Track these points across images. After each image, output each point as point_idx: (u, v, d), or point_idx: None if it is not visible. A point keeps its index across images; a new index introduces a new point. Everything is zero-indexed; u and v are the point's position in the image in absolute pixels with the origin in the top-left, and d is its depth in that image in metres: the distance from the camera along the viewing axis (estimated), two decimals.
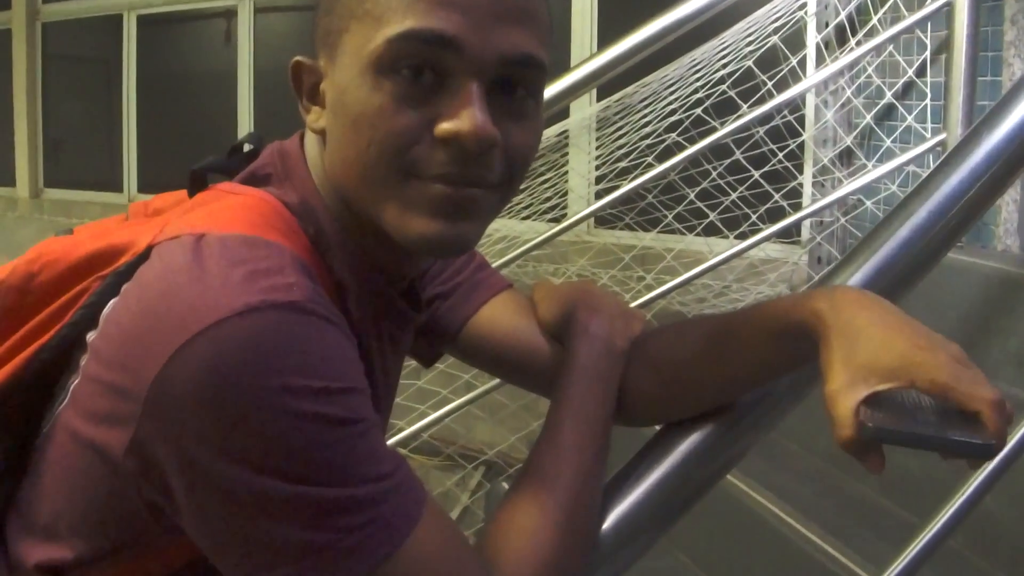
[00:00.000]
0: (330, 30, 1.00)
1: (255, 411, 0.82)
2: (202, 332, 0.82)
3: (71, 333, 0.96)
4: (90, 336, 0.93)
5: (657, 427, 1.28)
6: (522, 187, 3.48)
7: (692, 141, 3.02)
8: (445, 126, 0.93)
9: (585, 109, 4.03)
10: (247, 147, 1.13)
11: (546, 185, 3.69)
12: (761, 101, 3.12)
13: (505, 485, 3.40)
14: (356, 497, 0.86)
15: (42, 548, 0.97)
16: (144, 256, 0.94)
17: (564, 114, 3.67)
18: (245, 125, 6.21)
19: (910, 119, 3.36)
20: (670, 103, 3.33)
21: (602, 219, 4.20)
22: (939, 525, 1.55)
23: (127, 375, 0.86)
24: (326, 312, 0.89)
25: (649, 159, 3.34)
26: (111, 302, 0.93)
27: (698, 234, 3.64)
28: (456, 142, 0.93)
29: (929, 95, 3.31)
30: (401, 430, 3.03)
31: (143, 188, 6.77)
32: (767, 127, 3.35)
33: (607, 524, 1.15)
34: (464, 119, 0.92)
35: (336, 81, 0.99)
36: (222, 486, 0.84)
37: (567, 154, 3.91)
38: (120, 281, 0.94)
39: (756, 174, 3.44)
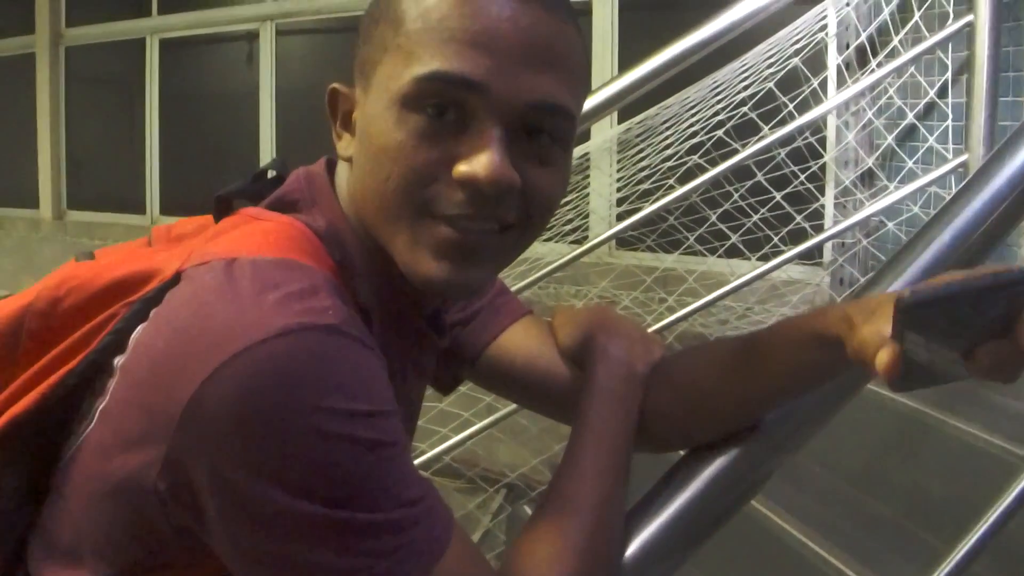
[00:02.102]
0: (366, 60, 1.00)
1: (290, 433, 0.82)
2: (239, 353, 0.82)
3: (99, 358, 0.95)
4: (118, 360, 0.93)
5: (680, 452, 1.27)
6: (546, 227, 3.48)
7: (713, 163, 3.01)
8: (462, 168, 0.93)
9: (606, 131, 4.03)
10: (271, 173, 1.13)
11: (568, 207, 3.70)
12: (782, 123, 3.11)
13: (527, 508, 3.40)
14: (388, 521, 0.86)
15: (65, 572, 0.97)
16: (173, 281, 0.94)
17: (585, 136, 3.68)
18: (267, 146, 6.24)
19: (932, 140, 3.36)
20: (691, 125, 3.33)
21: (624, 241, 4.20)
22: (965, 550, 1.54)
23: (160, 396, 0.85)
24: (361, 335, 0.89)
25: (671, 181, 3.34)
26: (140, 327, 0.93)
27: (720, 256, 3.64)
28: (472, 185, 0.93)
29: (951, 116, 3.30)
30: (423, 452, 3.03)
31: (165, 209, 6.81)
32: (788, 149, 3.35)
33: (630, 551, 1.14)
34: (482, 163, 0.92)
35: (366, 112, 0.99)
36: (255, 507, 0.84)
37: (588, 176, 3.91)
38: (149, 307, 0.94)
39: (778, 196, 3.43)
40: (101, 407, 0.93)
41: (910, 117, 3.45)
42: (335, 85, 1.05)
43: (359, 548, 0.85)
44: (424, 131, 0.93)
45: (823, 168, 3.57)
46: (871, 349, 0.88)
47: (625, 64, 2.89)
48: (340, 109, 1.05)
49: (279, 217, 1.03)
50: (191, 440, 0.84)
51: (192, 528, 0.89)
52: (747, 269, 3.14)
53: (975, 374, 0.87)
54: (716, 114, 3.28)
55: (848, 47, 3.54)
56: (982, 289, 0.83)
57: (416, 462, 2.95)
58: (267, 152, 6.24)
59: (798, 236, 3.28)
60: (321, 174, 1.08)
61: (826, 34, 3.38)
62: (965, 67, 3.08)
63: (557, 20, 0.96)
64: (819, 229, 3.35)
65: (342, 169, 1.07)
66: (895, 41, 3.27)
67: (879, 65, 3.28)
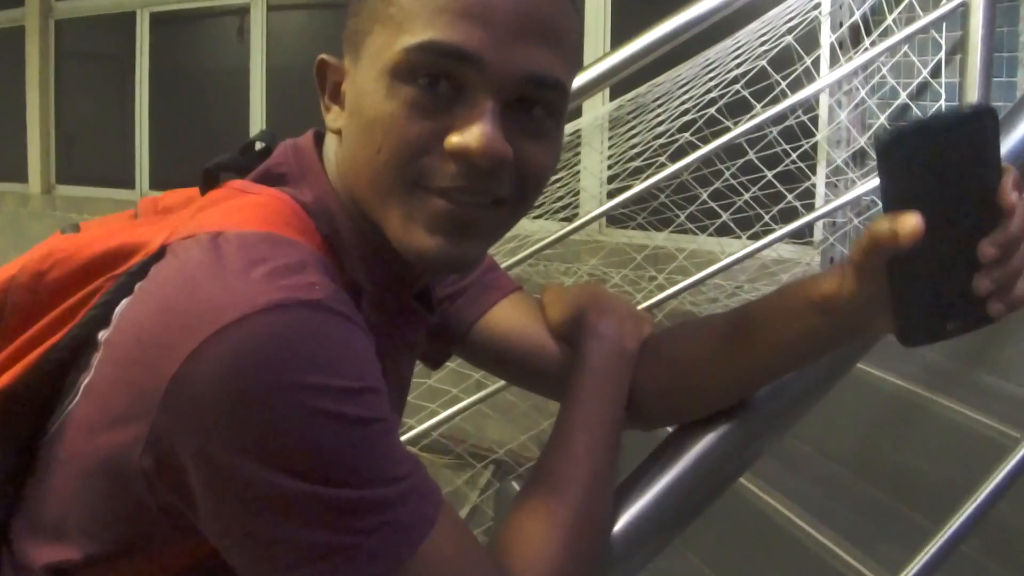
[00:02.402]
0: (356, 31, 0.99)
1: (276, 409, 0.81)
2: (224, 328, 0.81)
3: (83, 332, 0.95)
4: (103, 335, 0.93)
5: (669, 429, 1.27)
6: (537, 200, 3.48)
7: (705, 141, 3.01)
8: (454, 140, 0.92)
9: (598, 108, 4.03)
10: (259, 145, 1.12)
11: (558, 184, 3.69)
12: (775, 101, 3.11)
13: (515, 484, 3.40)
14: (375, 498, 0.86)
15: (50, 549, 0.96)
16: (158, 255, 0.94)
17: (577, 113, 3.67)
18: (257, 122, 6.23)
19: None
20: (683, 103, 3.32)
21: (614, 219, 4.20)
22: (952, 530, 1.54)
23: (145, 371, 0.85)
24: (347, 311, 0.88)
25: (662, 159, 3.33)
26: (125, 300, 0.93)
27: (710, 234, 3.64)
28: (464, 157, 0.92)
29: (944, 96, 3.30)
30: (411, 428, 3.02)
31: (155, 185, 6.79)
32: (780, 127, 3.35)
33: (619, 527, 1.14)
34: (474, 135, 0.91)
35: (356, 83, 0.98)
36: (240, 484, 0.83)
37: (579, 153, 3.90)
38: (133, 280, 0.93)
39: (769, 174, 3.44)
40: (86, 382, 0.93)
41: (903, 97, 3.44)
42: (324, 56, 1.04)
43: (345, 525, 0.84)
44: (416, 102, 0.92)
45: (815, 147, 3.58)
46: (882, 232, 0.89)
47: (618, 41, 2.87)
48: (329, 80, 1.04)
49: (266, 190, 1.02)
50: (175, 416, 0.83)
51: (177, 505, 0.89)
52: (737, 247, 3.14)
53: (984, 295, 0.91)
54: (708, 92, 3.28)
55: (842, 25, 3.54)
56: (949, 123, 0.87)
57: (404, 438, 2.95)
58: (257, 128, 6.21)
59: (789, 215, 3.28)
60: (309, 147, 1.07)
61: (820, 12, 3.38)
62: (959, 47, 3.09)
63: None
64: (810, 208, 3.35)
65: (330, 141, 1.06)
66: (889, 20, 3.27)
67: (872, 44, 3.27)
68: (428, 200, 0.94)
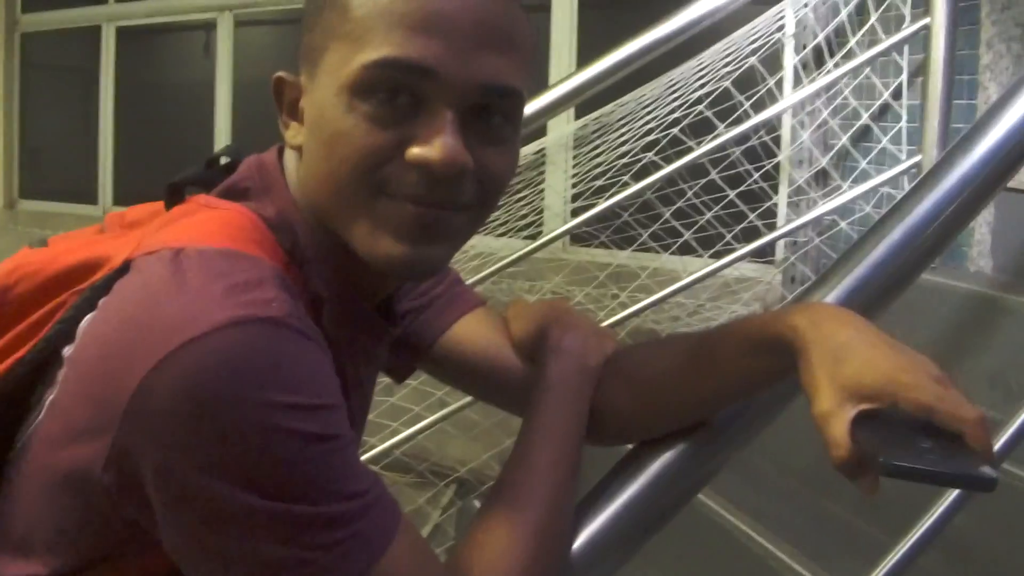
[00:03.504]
0: (312, 47, 0.99)
1: (233, 425, 0.81)
2: (182, 346, 0.82)
3: (47, 347, 0.95)
4: (67, 350, 0.93)
5: (630, 446, 1.27)
6: (499, 204, 3.48)
7: (669, 160, 3.03)
8: (415, 151, 0.93)
9: (563, 127, 4.03)
10: (224, 160, 1.12)
11: (522, 203, 3.69)
12: (738, 121, 3.13)
13: (477, 503, 3.39)
14: (333, 514, 0.86)
15: (15, 564, 0.95)
16: (122, 271, 0.94)
17: (542, 132, 3.67)
18: (223, 138, 6.19)
19: (885, 141, 3.38)
20: (647, 122, 3.33)
21: (578, 237, 4.20)
22: (910, 543, 1.55)
23: (106, 387, 0.85)
24: (305, 328, 0.89)
25: (626, 178, 3.34)
26: (88, 316, 0.93)
27: (673, 253, 3.64)
28: (425, 168, 0.93)
29: (905, 117, 3.32)
30: (373, 447, 3.02)
31: (118, 200, 6.73)
32: (743, 147, 3.37)
33: (579, 543, 1.14)
34: (435, 147, 0.92)
35: (314, 99, 0.98)
36: (198, 500, 0.83)
37: (544, 172, 3.91)
38: (97, 295, 0.93)
39: (732, 194, 3.45)
40: (51, 399, 0.93)
41: (865, 118, 3.47)
42: (281, 74, 1.05)
43: (303, 541, 0.85)
44: (376, 116, 0.93)
45: (777, 167, 3.60)
46: (832, 442, 0.92)
47: (584, 60, 2.89)
48: (287, 97, 1.05)
49: (230, 205, 1.02)
50: (136, 432, 0.84)
51: (140, 520, 0.89)
52: (700, 266, 3.16)
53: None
54: (672, 112, 3.29)
55: (805, 47, 3.56)
56: (947, 483, 0.91)
57: (366, 456, 2.94)
58: (222, 143, 6.16)
59: (751, 234, 3.30)
60: (273, 162, 1.07)
61: (783, 34, 3.40)
62: (920, 69, 3.11)
63: (504, 0, 0.96)
64: (772, 227, 3.37)
65: (290, 157, 1.07)
66: (852, 42, 3.29)
67: (835, 66, 3.30)
68: (395, 206, 0.95)
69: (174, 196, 1.08)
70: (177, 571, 0.91)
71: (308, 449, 0.84)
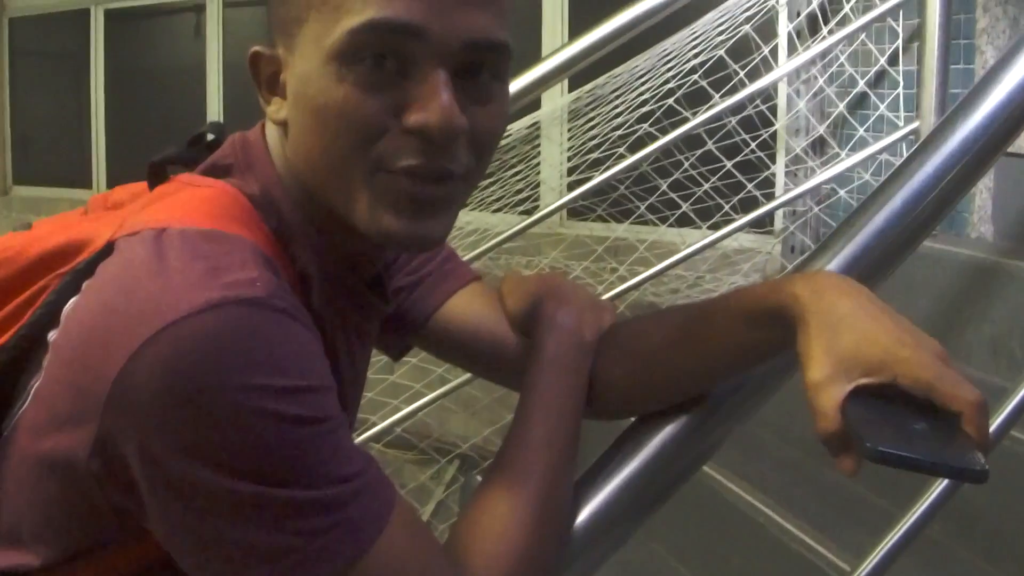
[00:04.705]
0: (287, 19, 0.97)
1: (217, 410, 0.80)
2: (163, 329, 0.80)
3: (31, 332, 0.94)
4: (51, 335, 0.91)
5: (630, 420, 1.26)
6: (494, 179, 3.48)
7: (664, 131, 3.02)
8: (415, 117, 0.91)
9: (557, 100, 4.02)
10: (209, 137, 1.11)
11: (518, 177, 3.68)
12: (733, 91, 3.12)
13: (479, 479, 3.40)
14: (322, 498, 0.85)
15: (6, 555, 0.94)
16: (104, 252, 0.92)
17: (536, 105, 3.66)
18: (214, 119, 6.17)
19: (883, 108, 3.37)
20: (641, 93, 3.33)
21: (575, 211, 4.19)
22: (917, 514, 1.54)
23: (88, 374, 0.84)
24: (289, 308, 0.87)
25: (621, 150, 3.33)
26: (72, 300, 0.91)
27: (671, 225, 3.64)
28: (425, 133, 0.91)
29: (902, 84, 3.31)
30: (374, 425, 3.02)
31: (113, 183, 6.63)
32: (739, 117, 3.37)
33: (580, 519, 1.13)
34: (434, 110, 0.90)
35: (297, 72, 0.96)
36: (184, 486, 0.82)
37: (539, 146, 3.90)
38: (80, 278, 0.92)
39: (728, 164, 3.45)
40: (36, 386, 0.91)
41: (861, 85, 3.46)
42: (257, 48, 1.02)
43: (292, 526, 0.83)
44: (366, 83, 0.91)
45: (774, 136, 3.59)
46: (820, 413, 0.91)
47: (576, 31, 2.87)
48: (264, 72, 1.02)
49: (213, 183, 1.01)
50: (119, 418, 0.82)
51: (128, 507, 0.88)
52: (698, 238, 3.16)
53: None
54: (666, 82, 3.29)
55: (799, 14, 3.54)
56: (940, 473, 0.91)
57: (368, 434, 2.95)
58: None
59: (749, 204, 3.29)
60: (257, 138, 1.05)
61: (777, 2, 3.38)
62: (916, 35, 3.10)
63: None
64: (770, 197, 3.36)
65: (273, 132, 1.04)
66: (846, 8, 3.28)
67: (830, 32, 3.29)
68: (393, 180, 0.93)
69: (156, 175, 1.06)
70: (169, 560, 0.90)
71: (294, 432, 0.83)
